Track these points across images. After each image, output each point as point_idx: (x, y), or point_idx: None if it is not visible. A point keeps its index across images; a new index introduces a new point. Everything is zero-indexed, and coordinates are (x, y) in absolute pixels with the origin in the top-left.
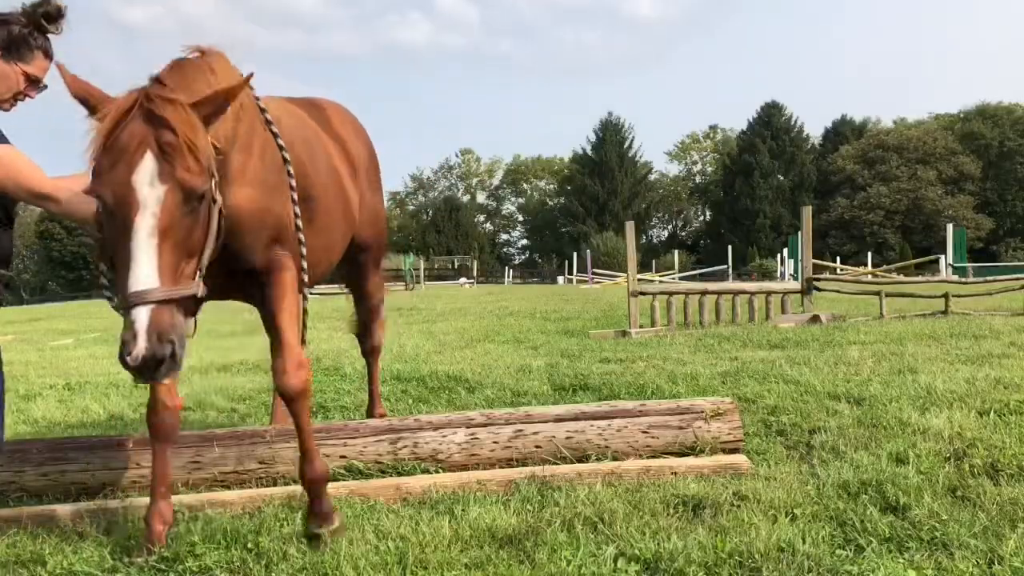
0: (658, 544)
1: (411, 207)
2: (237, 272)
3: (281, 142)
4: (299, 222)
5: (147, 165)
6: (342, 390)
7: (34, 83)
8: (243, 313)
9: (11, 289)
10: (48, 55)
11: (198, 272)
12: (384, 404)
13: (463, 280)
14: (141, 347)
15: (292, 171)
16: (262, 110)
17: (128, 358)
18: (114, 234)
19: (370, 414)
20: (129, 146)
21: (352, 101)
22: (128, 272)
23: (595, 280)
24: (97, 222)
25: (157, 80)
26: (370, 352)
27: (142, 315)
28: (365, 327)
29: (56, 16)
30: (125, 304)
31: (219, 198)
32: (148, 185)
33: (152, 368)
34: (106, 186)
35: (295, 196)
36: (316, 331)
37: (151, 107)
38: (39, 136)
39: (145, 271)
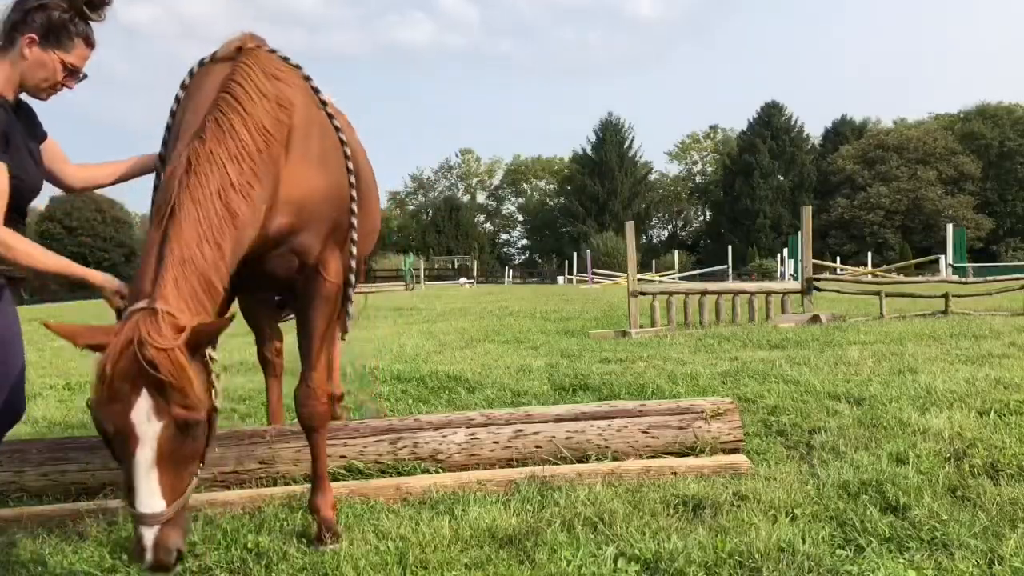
0: (658, 544)
1: (411, 207)
2: (283, 276)
3: (336, 123)
4: (354, 206)
5: (143, 404)
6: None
7: (73, 73)
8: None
9: (26, 289)
10: (90, 43)
11: (200, 467)
12: (384, 404)
13: (463, 280)
14: (149, 560)
15: (348, 152)
16: (315, 90)
17: (138, 562)
18: (118, 454)
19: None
20: (124, 385)
21: (352, 101)
22: (133, 493)
23: (595, 280)
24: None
25: (188, 162)
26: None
27: (148, 536)
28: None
29: (100, 3)
30: (132, 511)
31: (219, 406)
32: (145, 422)
33: (164, 570)
34: (107, 420)
35: (352, 179)
36: None
37: (146, 355)
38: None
39: (148, 498)
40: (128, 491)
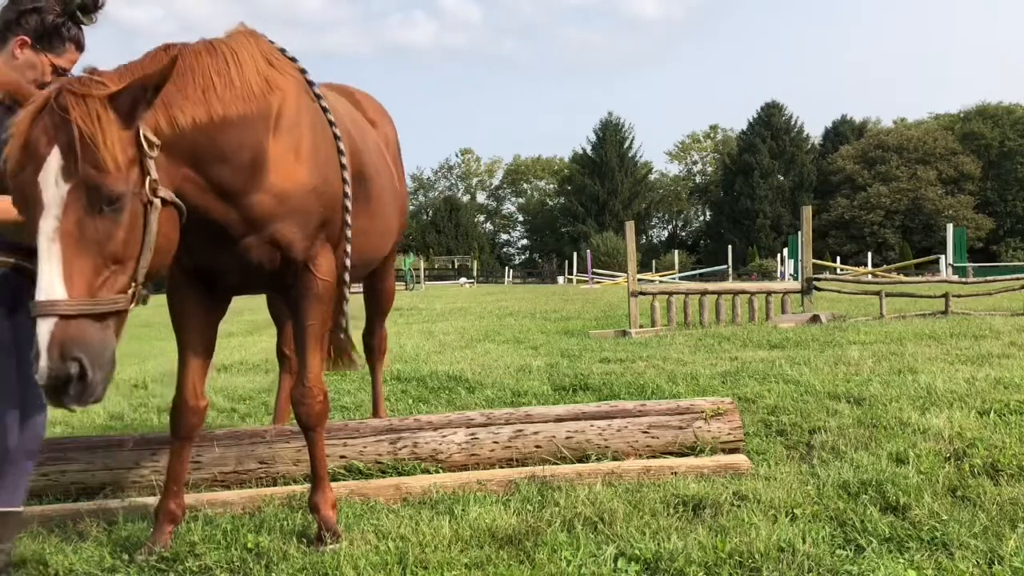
0: (658, 544)
1: (411, 207)
2: (268, 269)
3: (331, 117)
4: (348, 203)
5: (52, 163)
6: (342, 390)
7: (61, 75)
8: (243, 314)
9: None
10: (80, 47)
11: (132, 285)
12: (384, 404)
13: (463, 280)
14: (43, 365)
15: (343, 148)
16: (310, 83)
17: (35, 376)
18: (29, 235)
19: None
20: (37, 144)
21: None
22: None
23: (595, 280)
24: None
25: (94, 70)
26: (376, 353)
27: (44, 329)
28: (371, 328)
29: (93, 7)
30: (30, 313)
31: (157, 200)
32: (53, 185)
33: (59, 389)
34: (16, 187)
35: (347, 175)
36: None
37: (60, 101)
38: None
39: (48, 280)
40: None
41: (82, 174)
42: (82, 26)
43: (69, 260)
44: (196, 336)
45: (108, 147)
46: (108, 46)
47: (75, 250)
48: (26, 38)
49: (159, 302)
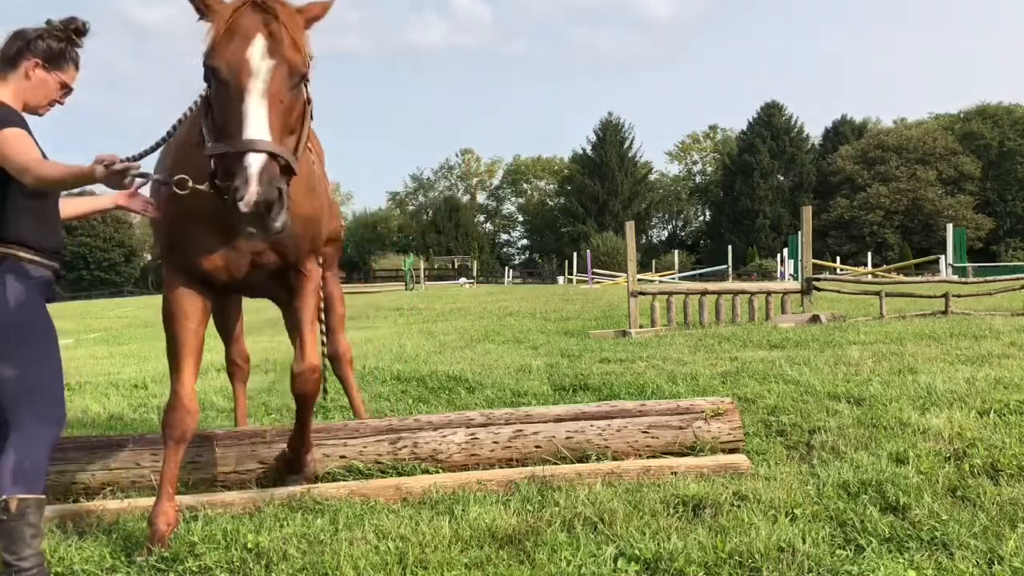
0: (658, 544)
1: (411, 207)
2: (274, 270)
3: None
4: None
5: (259, 43)
6: (341, 390)
7: (67, 91)
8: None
9: (60, 284)
10: (78, 66)
11: (296, 155)
12: (384, 404)
13: (463, 280)
14: (253, 190)
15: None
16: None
17: (241, 203)
18: (226, 101)
19: None
20: (244, 29)
21: (352, 100)
22: (241, 127)
23: (595, 280)
24: (78, 176)
25: None
26: (340, 359)
27: (254, 161)
28: (332, 334)
29: (83, 31)
30: (238, 150)
31: (312, 99)
32: (260, 58)
33: (264, 211)
34: (222, 59)
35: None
36: None
37: (264, 1)
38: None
39: (257, 124)
40: (232, 132)
41: (286, 54)
42: (77, 48)
43: (271, 114)
44: (193, 338)
45: (302, 41)
46: (122, 45)
47: (274, 109)
48: (38, 60)
49: (151, 303)
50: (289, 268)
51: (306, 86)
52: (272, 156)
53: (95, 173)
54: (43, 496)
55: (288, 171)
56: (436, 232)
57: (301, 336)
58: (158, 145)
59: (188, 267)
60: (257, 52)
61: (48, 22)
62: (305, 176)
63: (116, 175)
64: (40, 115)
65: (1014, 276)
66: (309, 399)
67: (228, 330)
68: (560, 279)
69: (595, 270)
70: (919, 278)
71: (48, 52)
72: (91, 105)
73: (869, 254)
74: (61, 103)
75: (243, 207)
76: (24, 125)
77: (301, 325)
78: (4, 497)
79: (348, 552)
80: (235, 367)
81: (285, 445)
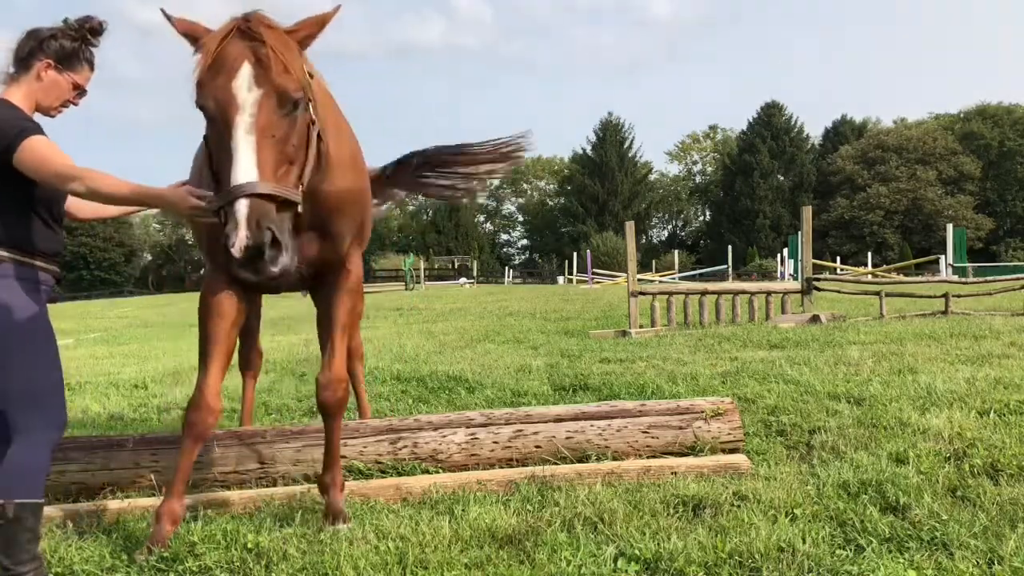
0: (658, 544)
1: (411, 207)
2: (318, 263)
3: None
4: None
5: (244, 73)
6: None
7: (79, 91)
8: None
9: (60, 284)
10: (92, 66)
11: (300, 185)
12: (384, 404)
13: (463, 280)
14: (242, 236)
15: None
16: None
17: (232, 249)
18: (218, 143)
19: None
20: (229, 59)
21: (351, 99)
22: (231, 169)
23: (595, 280)
24: (124, 197)
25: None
26: (351, 355)
27: (242, 206)
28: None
29: (99, 31)
30: (228, 199)
31: (318, 121)
32: (246, 90)
33: (256, 257)
34: (209, 95)
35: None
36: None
37: (248, 27)
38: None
39: (244, 166)
40: (224, 180)
41: (273, 79)
42: (92, 48)
43: (262, 151)
44: (224, 336)
45: (294, 63)
46: (122, 45)
47: (265, 143)
48: (50, 61)
49: (151, 303)
50: (333, 261)
51: (309, 108)
52: (265, 196)
53: (170, 198)
54: (42, 501)
55: (288, 206)
56: (436, 232)
57: (332, 342)
58: None
59: (224, 266)
60: (243, 84)
61: (65, 21)
62: (348, 155)
63: (197, 210)
64: (52, 116)
65: (1014, 276)
66: (335, 412)
67: (248, 326)
68: (560, 279)
69: (595, 270)
70: (919, 278)
71: (61, 52)
72: (91, 105)
73: (869, 254)
74: (75, 104)
75: (234, 253)
76: (40, 130)
77: (333, 329)
78: (2, 502)
79: (348, 552)
80: (249, 362)
81: (286, 445)
